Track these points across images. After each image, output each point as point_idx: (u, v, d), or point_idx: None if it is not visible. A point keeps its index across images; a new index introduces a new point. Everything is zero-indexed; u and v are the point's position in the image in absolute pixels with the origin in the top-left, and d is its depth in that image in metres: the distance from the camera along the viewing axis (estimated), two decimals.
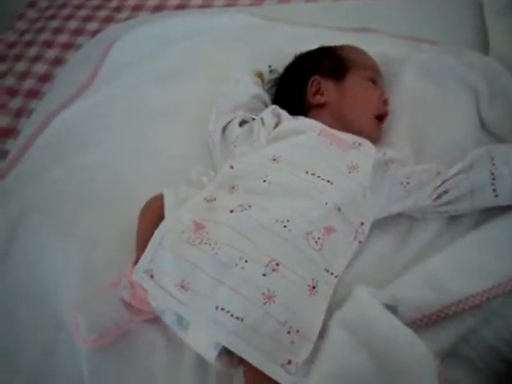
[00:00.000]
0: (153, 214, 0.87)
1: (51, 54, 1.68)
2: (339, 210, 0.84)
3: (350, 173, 0.87)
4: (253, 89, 1.09)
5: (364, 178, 0.87)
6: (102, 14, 1.78)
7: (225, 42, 1.35)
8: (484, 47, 1.18)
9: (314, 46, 1.20)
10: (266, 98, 1.11)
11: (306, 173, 0.86)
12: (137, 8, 1.76)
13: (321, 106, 1.03)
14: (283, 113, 1.01)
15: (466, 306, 0.76)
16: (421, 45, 1.23)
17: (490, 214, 0.87)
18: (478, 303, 0.76)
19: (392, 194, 0.89)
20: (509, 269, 0.79)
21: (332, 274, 0.81)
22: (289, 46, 1.23)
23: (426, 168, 0.90)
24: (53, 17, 1.82)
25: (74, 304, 0.85)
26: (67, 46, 1.69)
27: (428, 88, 1.07)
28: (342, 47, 1.11)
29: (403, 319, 0.75)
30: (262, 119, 0.99)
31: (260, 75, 1.12)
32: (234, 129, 1.02)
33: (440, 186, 0.87)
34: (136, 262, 0.81)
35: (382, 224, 0.90)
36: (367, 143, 0.93)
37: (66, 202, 1.06)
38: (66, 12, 1.84)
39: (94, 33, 1.69)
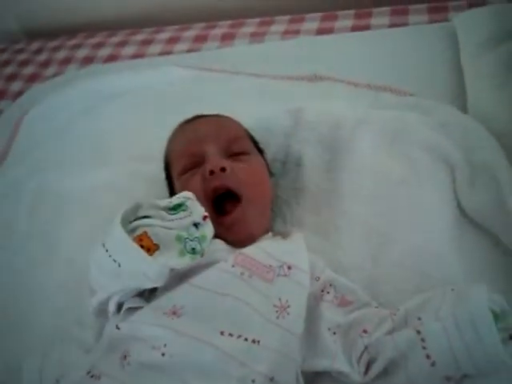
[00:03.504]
0: None
1: None
2: (271, 380, 0.59)
3: (278, 317, 0.62)
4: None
5: (297, 323, 0.63)
6: (28, 70, 1.56)
7: (149, 107, 1.12)
8: (462, 97, 0.94)
9: (252, 103, 1.00)
10: None
11: (222, 334, 0.60)
12: (65, 62, 1.54)
13: None
14: None
15: None
16: (381, 95, 1.00)
17: None
18: None
19: (319, 341, 0.64)
20: None
21: None
22: (224, 104, 0.99)
23: (361, 317, 0.65)
24: None
25: None
26: None
27: (389, 161, 0.82)
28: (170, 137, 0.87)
29: None
30: None
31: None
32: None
33: (364, 351, 0.61)
34: None
35: None
36: (300, 262, 0.68)
37: None
38: None
39: (18, 94, 1.48)
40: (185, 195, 0.65)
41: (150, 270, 0.59)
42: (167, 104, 1.12)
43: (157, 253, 0.60)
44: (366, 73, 1.08)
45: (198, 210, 0.64)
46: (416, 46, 1.11)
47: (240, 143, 0.80)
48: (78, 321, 0.77)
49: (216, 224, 0.65)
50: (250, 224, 0.73)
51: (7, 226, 1.00)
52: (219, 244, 0.71)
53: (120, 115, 1.12)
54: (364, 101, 0.98)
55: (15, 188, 1.07)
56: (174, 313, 0.62)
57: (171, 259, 0.60)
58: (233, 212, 0.72)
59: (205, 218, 0.64)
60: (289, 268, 0.67)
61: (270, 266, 0.66)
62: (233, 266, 0.65)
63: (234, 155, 0.78)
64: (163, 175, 0.90)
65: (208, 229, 0.64)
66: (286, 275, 0.66)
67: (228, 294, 0.63)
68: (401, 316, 0.62)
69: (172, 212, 0.63)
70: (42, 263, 0.90)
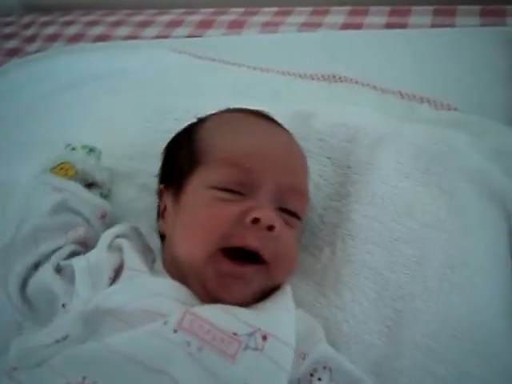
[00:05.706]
0: None
1: None
2: None
3: None
4: (52, 198, 0.59)
5: None
6: (10, 44, 1.38)
7: (127, 95, 0.90)
8: None
9: (255, 101, 0.75)
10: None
11: None
12: (52, 38, 1.35)
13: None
14: (126, 246, 0.54)
15: None
16: (416, 106, 0.78)
17: None
18: None
19: None
20: None
21: None
22: (223, 99, 0.77)
23: None
24: None
25: None
26: None
27: (421, 195, 0.60)
28: (211, 120, 0.62)
29: None
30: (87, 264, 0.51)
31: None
32: (47, 282, 0.53)
33: None
34: None
35: None
36: (282, 330, 0.46)
37: None
38: None
39: None
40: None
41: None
42: (152, 93, 0.91)
43: None
44: (397, 78, 0.87)
45: None
46: (464, 52, 0.90)
47: (299, 201, 0.56)
48: None
49: (214, 265, 0.48)
50: (248, 294, 0.50)
51: None
52: (174, 289, 0.50)
53: (90, 101, 0.91)
54: (393, 112, 0.77)
55: None
56: None
57: None
58: (247, 267, 0.50)
59: None
60: (264, 338, 0.45)
61: (235, 334, 0.44)
62: (175, 332, 0.43)
63: (283, 211, 0.54)
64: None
65: None
66: (257, 349, 0.44)
67: (162, 370, 0.41)
68: None
69: None
70: None
